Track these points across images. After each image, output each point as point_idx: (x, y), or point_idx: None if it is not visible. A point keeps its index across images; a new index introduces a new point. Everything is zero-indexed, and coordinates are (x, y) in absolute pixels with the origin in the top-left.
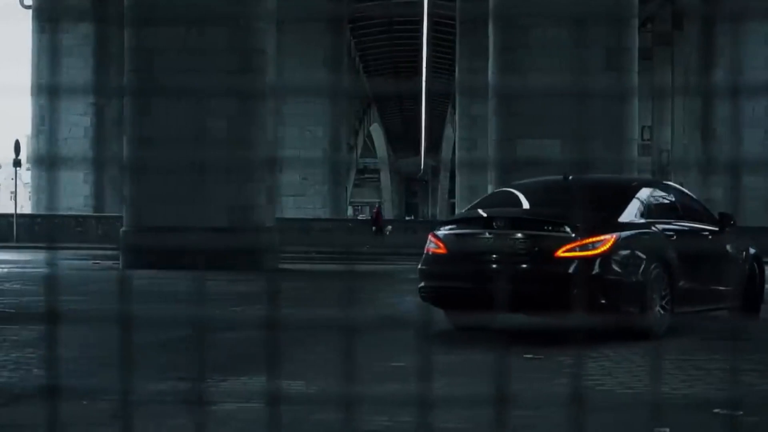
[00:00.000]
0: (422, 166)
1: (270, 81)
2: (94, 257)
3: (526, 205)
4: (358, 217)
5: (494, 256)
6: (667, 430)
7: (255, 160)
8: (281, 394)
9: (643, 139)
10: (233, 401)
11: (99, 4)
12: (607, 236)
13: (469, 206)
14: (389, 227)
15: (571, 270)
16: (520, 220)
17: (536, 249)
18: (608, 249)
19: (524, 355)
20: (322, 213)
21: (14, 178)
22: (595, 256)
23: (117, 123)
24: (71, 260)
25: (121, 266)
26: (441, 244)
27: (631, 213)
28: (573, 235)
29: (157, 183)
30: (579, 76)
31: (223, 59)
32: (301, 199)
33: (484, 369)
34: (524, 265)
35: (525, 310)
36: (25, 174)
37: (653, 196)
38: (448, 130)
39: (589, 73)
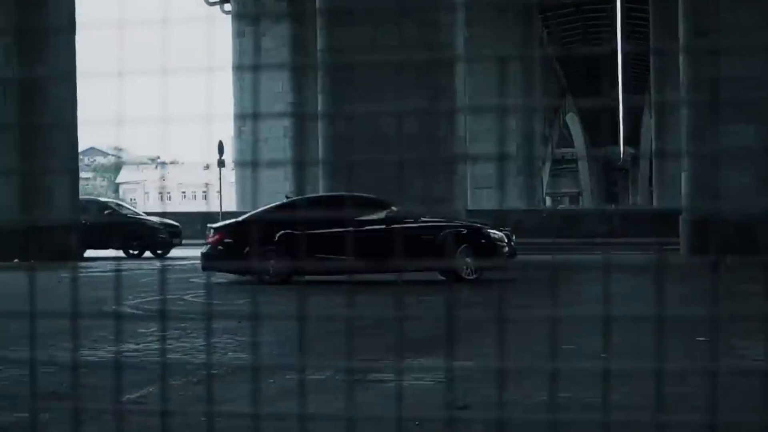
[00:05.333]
0: (622, 155)
1: (459, 76)
2: None
3: None
4: (558, 208)
5: None
6: None
7: (446, 155)
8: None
9: None
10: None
11: (295, 4)
12: None
13: None
14: None
15: None
16: None
17: None
18: None
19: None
20: (519, 205)
21: (219, 177)
22: None
23: (315, 121)
24: None
25: None
26: None
27: None
28: None
29: (353, 179)
30: None
31: (412, 55)
32: (496, 191)
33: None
34: None
35: None
36: (230, 173)
37: None
38: (647, 117)
39: None
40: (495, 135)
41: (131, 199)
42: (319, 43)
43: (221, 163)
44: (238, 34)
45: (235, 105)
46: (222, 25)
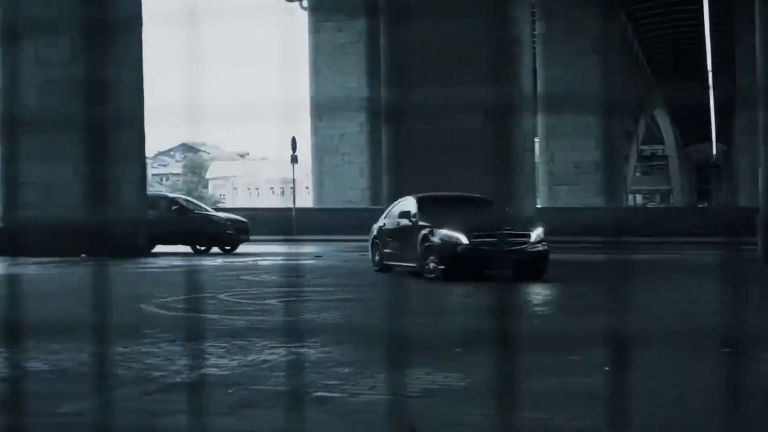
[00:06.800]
0: (714, 152)
1: (525, 71)
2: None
3: None
4: (648, 206)
5: None
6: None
7: (509, 151)
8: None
9: None
10: None
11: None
12: None
13: None
14: None
15: None
16: None
17: None
18: None
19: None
20: (598, 202)
21: (293, 173)
22: None
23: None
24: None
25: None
26: None
27: None
28: None
29: (415, 176)
30: None
31: (478, 51)
32: (575, 188)
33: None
34: None
35: None
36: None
37: None
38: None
39: None
40: (571, 131)
41: (220, 195)
42: (383, 38)
43: (294, 159)
44: (315, 30)
45: (311, 101)
46: (300, 21)
